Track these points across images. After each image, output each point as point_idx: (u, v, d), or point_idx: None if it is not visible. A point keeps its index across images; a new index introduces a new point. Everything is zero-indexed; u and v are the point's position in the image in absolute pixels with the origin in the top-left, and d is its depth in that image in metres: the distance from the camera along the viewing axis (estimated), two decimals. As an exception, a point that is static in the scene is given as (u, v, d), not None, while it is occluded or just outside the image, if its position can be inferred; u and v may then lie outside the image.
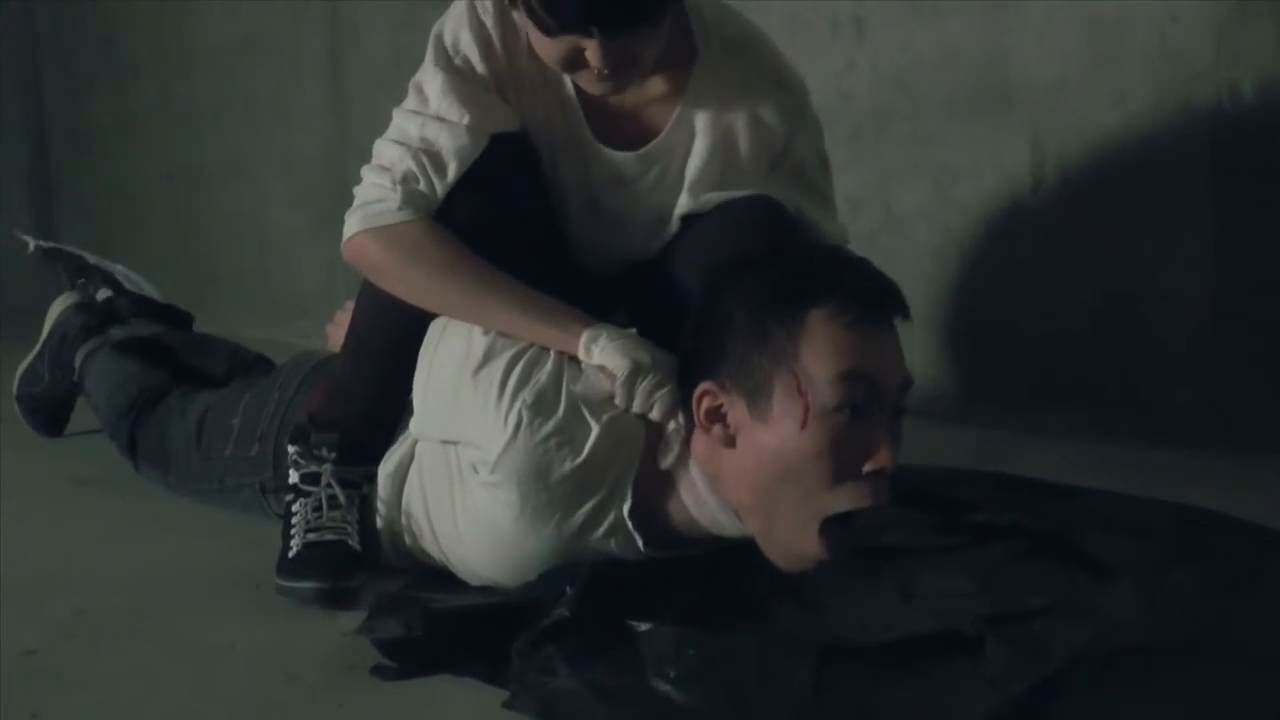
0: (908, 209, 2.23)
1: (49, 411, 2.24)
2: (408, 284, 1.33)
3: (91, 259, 2.31)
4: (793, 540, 1.19)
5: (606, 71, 1.26)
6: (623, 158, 1.40)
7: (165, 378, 1.91)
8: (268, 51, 3.71)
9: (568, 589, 1.15)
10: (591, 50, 1.23)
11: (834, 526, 1.18)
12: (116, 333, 2.10)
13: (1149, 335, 1.96)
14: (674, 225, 1.42)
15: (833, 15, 2.25)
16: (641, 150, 1.40)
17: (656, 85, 1.39)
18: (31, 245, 2.37)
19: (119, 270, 2.28)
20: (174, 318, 2.21)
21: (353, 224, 1.34)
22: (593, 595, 1.14)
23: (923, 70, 2.16)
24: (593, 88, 1.32)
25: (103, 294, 2.25)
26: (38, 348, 2.21)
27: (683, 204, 1.41)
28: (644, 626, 1.11)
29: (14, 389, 2.26)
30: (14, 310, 3.52)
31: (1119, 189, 1.96)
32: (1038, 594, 1.18)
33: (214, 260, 4.09)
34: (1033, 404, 2.10)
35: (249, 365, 2.03)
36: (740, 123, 1.38)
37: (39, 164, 5.02)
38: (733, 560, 1.30)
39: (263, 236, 3.84)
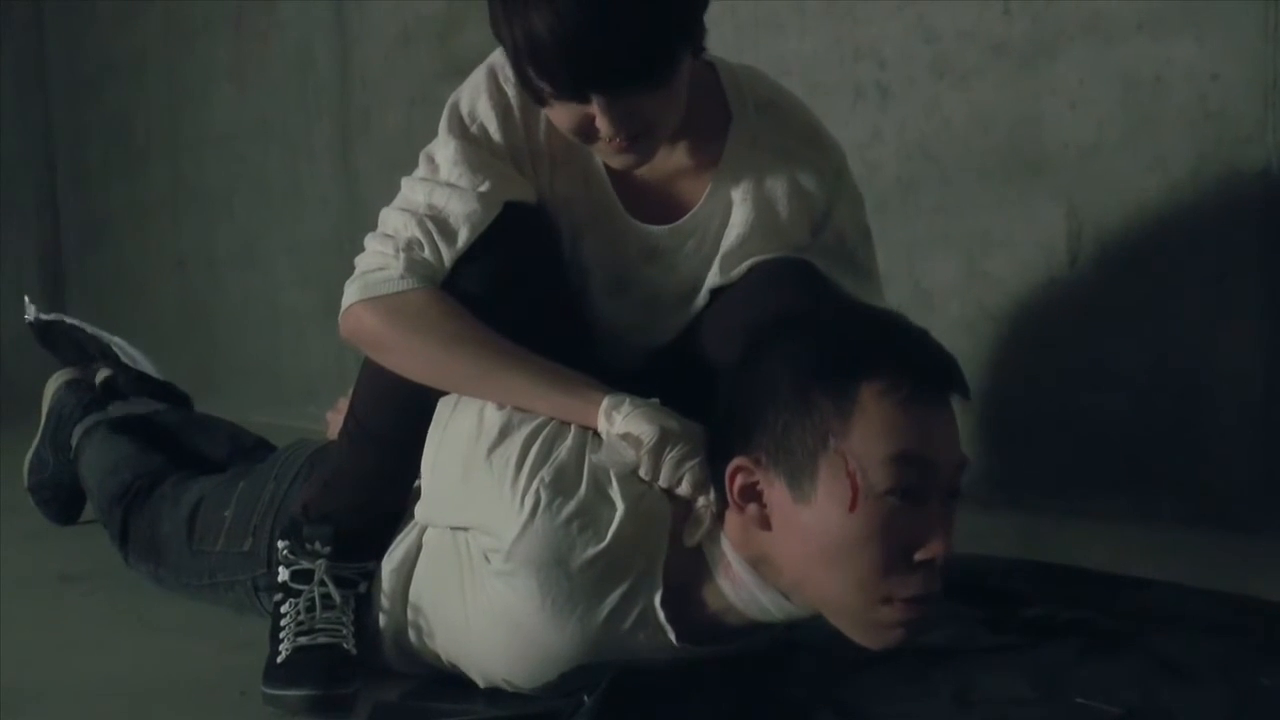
0: (937, 283, 2.14)
1: (60, 499, 2.18)
2: (410, 357, 1.23)
3: (90, 329, 2.25)
4: (861, 616, 1.08)
5: (622, 141, 1.18)
6: (658, 231, 1.32)
7: (162, 462, 1.82)
8: (279, 135, 3.71)
9: (585, 699, 1.02)
10: (599, 116, 1.16)
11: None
12: (114, 410, 2.03)
13: (1197, 414, 1.85)
14: (702, 299, 1.33)
15: (855, 83, 2.19)
16: (677, 223, 1.31)
17: (689, 153, 1.31)
18: (32, 314, 2.30)
19: (117, 342, 2.22)
20: (171, 395, 2.14)
21: (351, 294, 1.25)
22: (613, 706, 1.02)
23: (951, 137, 2.08)
24: (613, 161, 1.24)
25: (101, 374, 2.19)
26: (39, 433, 2.16)
27: (713, 277, 1.32)
28: (670, 742, 0.99)
29: (25, 481, 2.21)
30: (16, 401, 3.46)
31: (1161, 259, 1.86)
32: (1111, 701, 1.06)
33: (224, 345, 4.07)
34: (1075, 488, 1.99)
35: (249, 448, 1.94)
36: (780, 190, 1.30)
37: (51, 250, 5.03)
38: (768, 662, 1.18)
39: (273, 321, 3.81)
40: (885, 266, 2.12)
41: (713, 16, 1.23)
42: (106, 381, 2.16)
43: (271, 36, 3.68)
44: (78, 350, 2.25)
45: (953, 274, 2.11)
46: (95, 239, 4.81)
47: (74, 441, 2.02)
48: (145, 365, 2.25)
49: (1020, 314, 2.04)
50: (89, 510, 2.10)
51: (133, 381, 2.18)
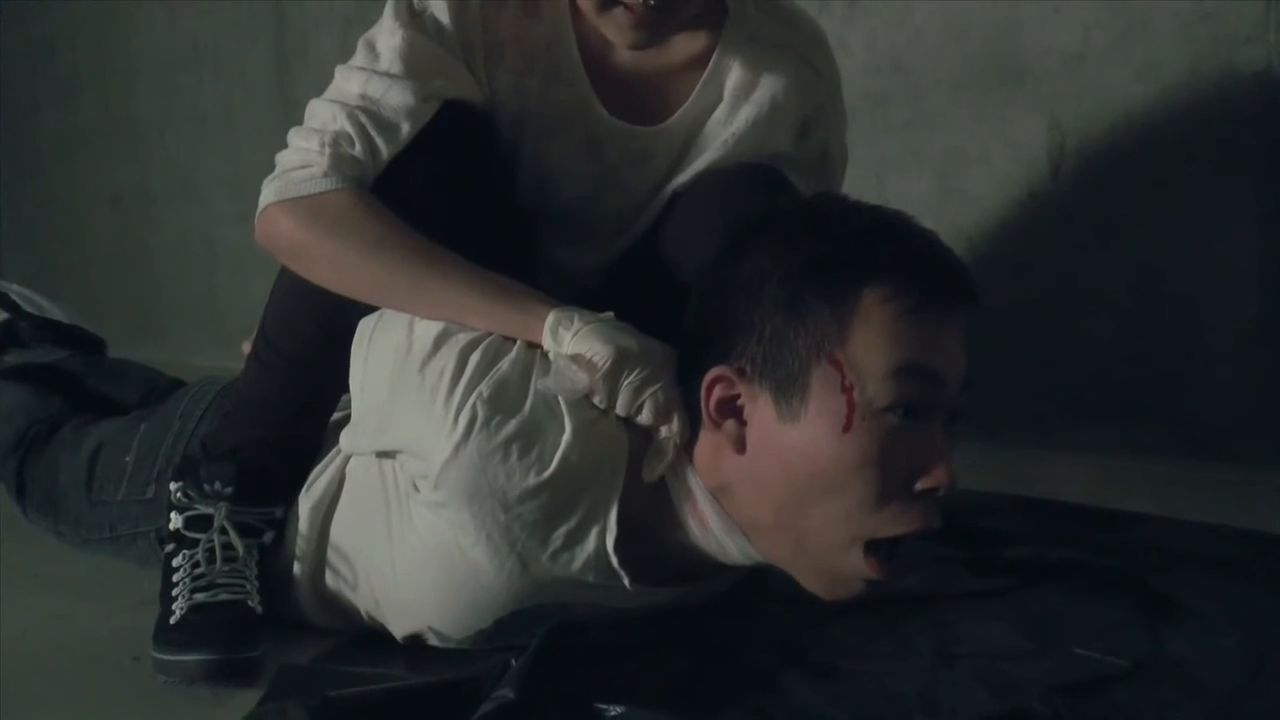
0: (909, 202, 1.94)
1: None
2: (330, 266, 1.09)
3: None
4: (831, 562, 0.97)
5: (647, 12, 1.06)
6: (642, 132, 1.20)
7: (62, 406, 1.65)
8: (213, 61, 3.53)
9: (512, 661, 0.89)
10: None
11: (881, 545, 0.96)
12: (10, 358, 1.84)
13: (1188, 339, 1.76)
14: (661, 199, 1.22)
15: (820, -10, 2.04)
16: (664, 123, 1.20)
17: (680, 48, 1.20)
18: None
19: (15, 290, 2.02)
20: (82, 341, 1.95)
21: (268, 194, 1.11)
22: (547, 669, 0.88)
23: (923, 47, 1.95)
24: (624, 36, 1.11)
25: None
26: None
27: (680, 177, 1.22)
28: (615, 710, 0.86)
29: None
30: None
31: (1151, 174, 1.75)
32: (1114, 652, 0.94)
33: (162, 285, 3.91)
34: (1057, 419, 1.89)
35: (163, 393, 1.77)
36: (778, 85, 1.19)
37: (-22, 189, 4.80)
38: (728, 613, 1.05)
39: (212, 258, 3.64)
40: (852, 186, 1.97)
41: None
42: (4, 326, 1.97)
43: (202, -46, 3.48)
44: None
45: (924, 192, 1.99)
46: (24, 175, 4.61)
47: None
48: (53, 312, 2.06)
49: (998, 233, 1.93)
50: None
51: (36, 328, 1.98)
